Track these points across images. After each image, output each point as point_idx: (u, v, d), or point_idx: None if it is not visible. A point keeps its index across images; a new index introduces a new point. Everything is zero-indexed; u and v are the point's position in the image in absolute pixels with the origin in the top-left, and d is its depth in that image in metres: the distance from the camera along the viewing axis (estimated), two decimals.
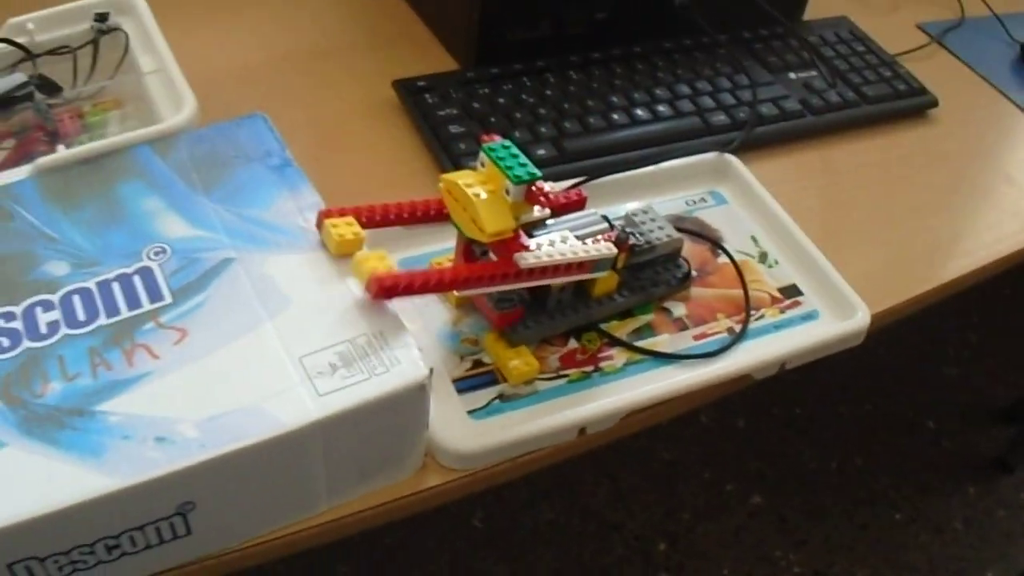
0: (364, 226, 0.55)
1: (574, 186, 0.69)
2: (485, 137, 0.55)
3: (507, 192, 0.53)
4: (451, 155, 0.72)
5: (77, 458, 0.45)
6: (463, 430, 0.56)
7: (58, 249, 0.55)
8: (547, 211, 0.60)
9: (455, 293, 0.62)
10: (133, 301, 0.52)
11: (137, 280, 0.53)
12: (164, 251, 0.54)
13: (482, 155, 0.54)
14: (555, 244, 0.57)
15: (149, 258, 0.54)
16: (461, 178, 0.54)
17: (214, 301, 0.52)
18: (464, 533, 1.42)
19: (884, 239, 0.76)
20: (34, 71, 0.72)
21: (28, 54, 0.73)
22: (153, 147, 0.61)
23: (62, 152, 0.62)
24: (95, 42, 0.74)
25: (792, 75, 0.87)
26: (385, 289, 0.51)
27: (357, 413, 0.47)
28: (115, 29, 0.75)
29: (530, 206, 0.54)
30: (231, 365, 0.48)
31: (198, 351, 0.49)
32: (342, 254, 0.53)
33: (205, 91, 0.66)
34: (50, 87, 0.71)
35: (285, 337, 0.50)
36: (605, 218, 0.62)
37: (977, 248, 0.77)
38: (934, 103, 0.90)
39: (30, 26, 0.73)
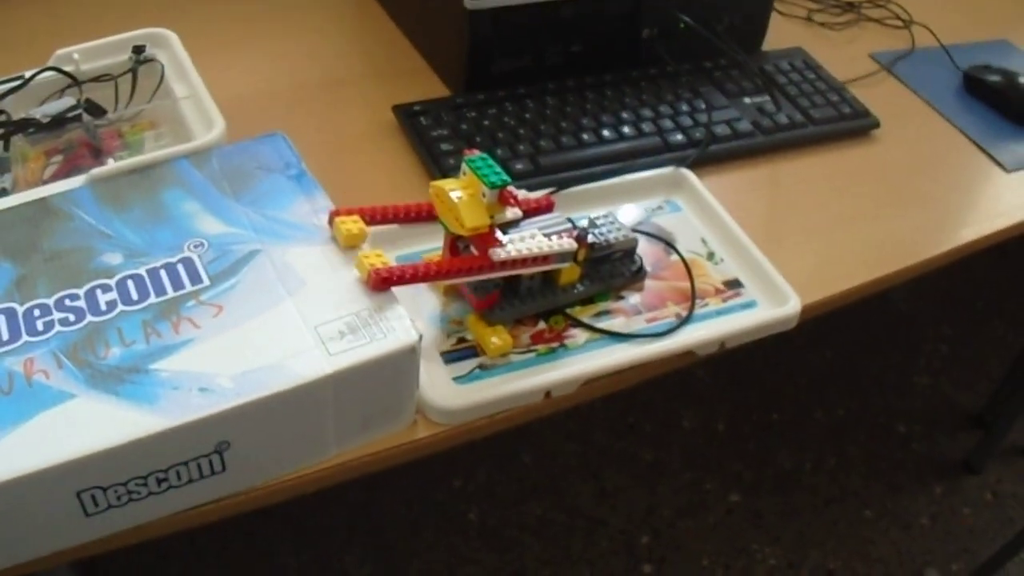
0: (367, 223, 0.66)
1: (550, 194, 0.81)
2: (467, 151, 0.66)
3: (483, 195, 0.64)
4: (441, 169, 0.84)
5: (135, 405, 0.56)
6: (449, 392, 0.67)
7: (112, 243, 0.66)
8: (519, 213, 0.71)
9: (442, 284, 0.73)
10: (178, 284, 0.63)
11: (180, 267, 0.64)
12: (202, 244, 0.66)
13: (463, 165, 0.66)
14: (524, 240, 0.68)
15: (190, 250, 0.65)
16: (446, 184, 0.65)
17: (244, 283, 0.63)
18: (460, 527, 1.53)
19: (821, 242, 0.87)
20: (81, 96, 0.84)
21: (74, 81, 0.85)
22: (190, 160, 0.73)
23: (112, 164, 0.73)
24: (134, 71, 0.86)
25: (747, 100, 0.99)
26: (382, 280, 0.62)
27: (361, 369, 0.58)
28: (151, 60, 0.87)
29: (503, 207, 0.65)
30: (259, 333, 0.60)
31: (232, 322, 0.60)
32: (349, 246, 0.65)
33: (232, 112, 0.77)
34: (96, 110, 0.83)
35: (303, 311, 0.61)
36: (569, 220, 0.74)
37: (906, 252, 0.88)
38: (876, 124, 1.02)
39: (76, 56, 0.85)
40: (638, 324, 0.74)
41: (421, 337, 0.60)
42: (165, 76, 0.85)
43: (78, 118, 0.83)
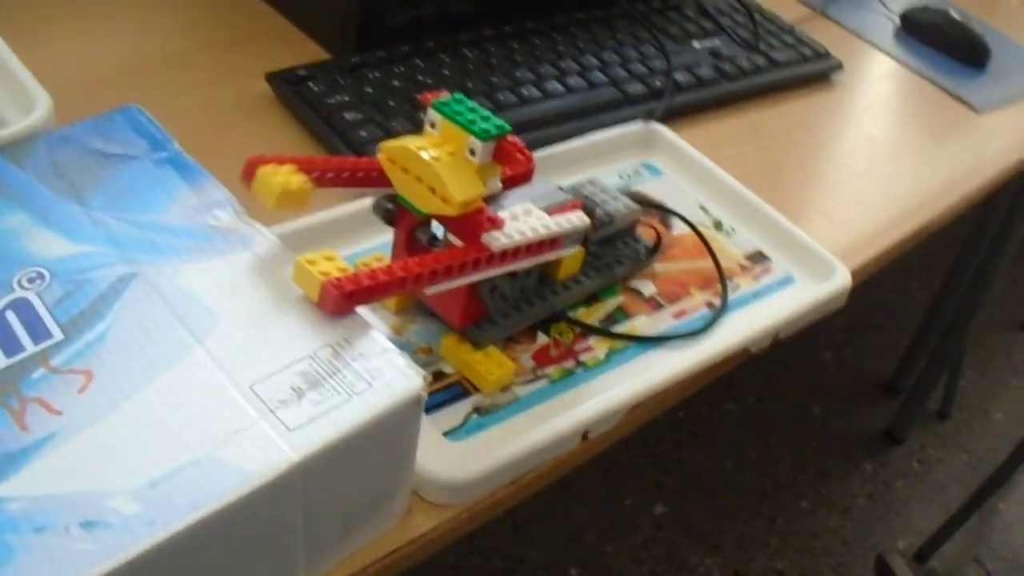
0: (317, 183, 0.44)
1: None
2: (429, 95, 0.45)
3: (472, 153, 0.43)
4: (351, 144, 0.61)
5: None
6: (445, 456, 0.45)
7: None
8: (498, 184, 0.51)
9: (394, 298, 0.52)
10: (11, 345, 0.38)
11: (11, 317, 0.40)
12: (41, 276, 0.41)
13: (432, 115, 0.44)
14: (519, 218, 0.48)
15: (22, 287, 0.41)
16: (411, 142, 0.44)
17: (119, 330, 0.39)
18: None
19: (830, 197, 0.71)
20: None
21: None
22: (5, 155, 0.48)
23: None
24: None
25: (696, 44, 0.81)
26: (346, 297, 0.39)
27: (344, 446, 0.35)
28: None
29: (499, 169, 0.44)
30: (161, 409, 0.36)
31: (113, 396, 0.36)
32: (284, 207, 0.42)
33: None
34: None
35: (224, 362, 0.38)
36: (561, 189, 0.54)
37: (927, 199, 0.73)
38: (839, 66, 0.87)
39: None
40: (665, 322, 0.55)
41: (427, 378, 0.38)
42: None
43: None
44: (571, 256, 0.52)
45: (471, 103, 0.44)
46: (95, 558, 0.31)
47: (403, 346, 0.50)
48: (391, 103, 0.66)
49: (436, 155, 0.43)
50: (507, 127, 0.43)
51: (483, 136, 0.42)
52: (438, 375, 0.49)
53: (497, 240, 0.44)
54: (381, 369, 0.38)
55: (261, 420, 0.36)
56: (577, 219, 0.49)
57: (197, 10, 0.79)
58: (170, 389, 0.37)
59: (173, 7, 0.79)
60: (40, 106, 0.51)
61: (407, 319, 0.52)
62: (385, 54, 0.70)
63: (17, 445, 0.34)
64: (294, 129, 0.66)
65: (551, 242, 0.48)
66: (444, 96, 0.45)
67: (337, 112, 0.63)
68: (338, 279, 0.39)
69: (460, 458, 0.45)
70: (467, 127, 0.43)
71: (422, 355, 0.50)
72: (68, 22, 0.74)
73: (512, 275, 0.49)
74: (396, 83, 0.68)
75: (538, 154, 0.63)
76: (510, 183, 0.53)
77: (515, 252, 0.46)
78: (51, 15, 0.74)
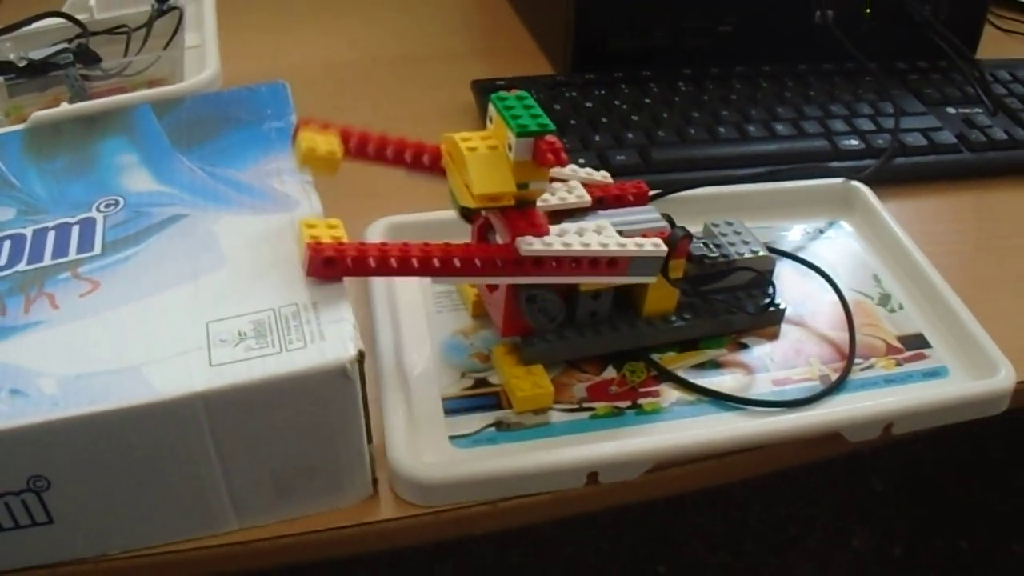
0: (350, 152, 0.45)
1: (655, 197, 0.57)
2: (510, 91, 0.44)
3: (510, 149, 0.41)
4: None
5: None
6: (436, 457, 0.43)
7: (13, 196, 0.48)
8: (587, 199, 0.48)
9: (471, 300, 0.51)
10: (61, 250, 0.44)
11: (75, 230, 0.45)
12: (116, 203, 0.46)
13: (491, 109, 0.43)
14: (585, 233, 0.45)
15: (98, 210, 0.46)
16: (462, 134, 0.43)
17: (143, 257, 0.43)
18: None
19: None
20: (83, 42, 0.68)
21: (84, 31, 0.69)
22: (154, 107, 0.54)
23: (62, 107, 0.56)
24: (150, 22, 0.70)
25: (951, 109, 0.71)
26: (325, 262, 0.40)
27: (252, 393, 0.36)
28: (173, 8, 0.70)
29: (541, 168, 0.42)
30: (131, 322, 0.39)
31: (101, 305, 0.40)
32: (309, 167, 0.44)
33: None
34: (88, 57, 0.66)
35: (202, 299, 0.40)
36: (668, 218, 0.50)
37: None
38: None
39: (91, 2, 0.70)
40: (759, 386, 0.49)
41: (362, 354, 0.37)
42: (181, 26, 0.68)
43: (70, 66, 0.67)
44: (659, 292, 0.48)
45: (530, 101, 0.43)
46: (4, 418, 0.35)
47: (462, 347, 0.50)
48: (572, 121, 0.65)
49: (474, 146, 0.42)
50: (550, 127, 0.41)
51: (519, 132, 0.40)
52: (481, 382, 0.48)
53: (529, 245, 0.42)
54: (326, 334, 0.37)
55: (195, 351, 0.37)
56: (651, 245, 0.45)
57: (456, 20, 0.84)
58: (148, 309, 0.40)
59: (436, 15, 0.85)
60: (204, 73, 0.57)
61: (480, 325, 0.51)
62: (593, 76, 0.70)
63: (13, 323, 0.39)
64: None
65: (609, 263, 0.45)
66: (511, 92, 0.43)
67: None
68: (319, 243, 0.40)
69: (448, 462, 0.43)
70: (508, 123, 0.41)
71: (477, 360, 0.49)
72: (326, 15, 0.82)
73: (569, 293, 0.46)
74: (588, 104, 0.67)
75: (707, 191, 0.60)
76: (613, 204, 0.50)
77: (557, 264, 0.43)
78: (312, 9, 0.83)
